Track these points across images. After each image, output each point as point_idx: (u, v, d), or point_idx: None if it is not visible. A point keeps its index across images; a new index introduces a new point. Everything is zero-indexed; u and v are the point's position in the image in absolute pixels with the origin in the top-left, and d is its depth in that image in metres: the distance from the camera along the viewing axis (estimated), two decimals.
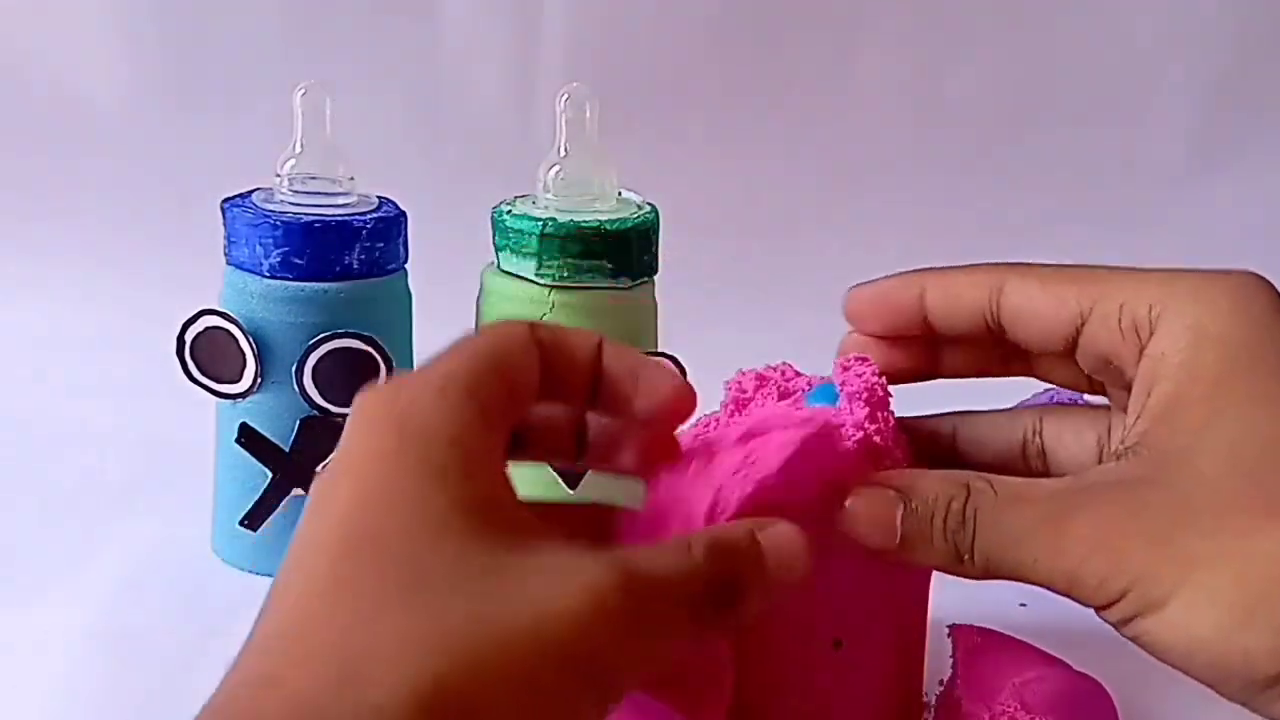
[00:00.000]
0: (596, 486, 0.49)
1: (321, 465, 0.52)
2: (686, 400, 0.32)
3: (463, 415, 0.28)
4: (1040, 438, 0.36)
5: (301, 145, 0.52)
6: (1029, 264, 0.35)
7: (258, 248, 0.50)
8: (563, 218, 0.51)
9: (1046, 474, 0.35)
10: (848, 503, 0.33)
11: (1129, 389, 0.32)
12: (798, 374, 0.38)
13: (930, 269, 0.36)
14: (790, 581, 0.30)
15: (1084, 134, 1.03)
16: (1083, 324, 0.33)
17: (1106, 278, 0.33)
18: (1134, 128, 1.04)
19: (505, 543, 0.26)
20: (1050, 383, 0.37)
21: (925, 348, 0.37)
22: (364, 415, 0.29)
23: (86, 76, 0.95)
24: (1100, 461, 0.35)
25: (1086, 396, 0.37)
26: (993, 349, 0.37)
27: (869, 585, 0.36)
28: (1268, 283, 0.32)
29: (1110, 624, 0.29)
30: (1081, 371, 0.35)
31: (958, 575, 0.31)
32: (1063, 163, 1.03)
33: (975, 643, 0.38)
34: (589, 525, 0.34)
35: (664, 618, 0.27)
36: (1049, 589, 0.30)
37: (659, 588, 0.26)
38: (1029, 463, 0.37)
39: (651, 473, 0.34)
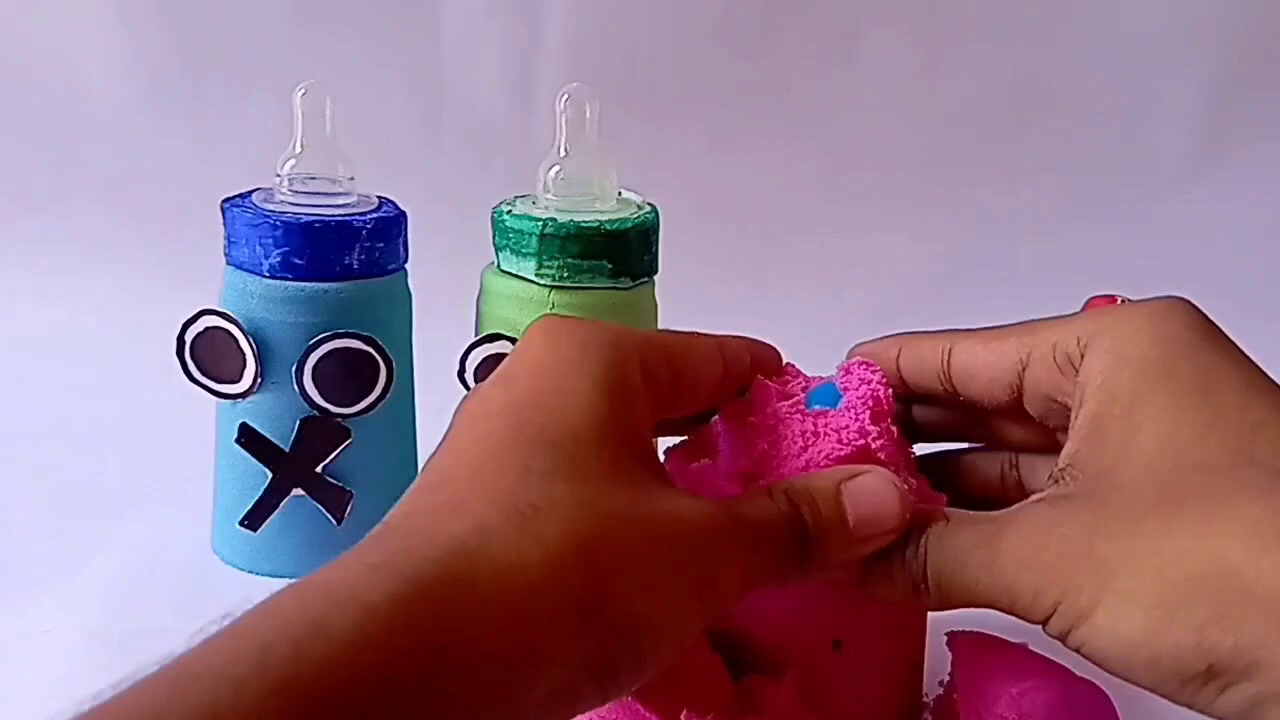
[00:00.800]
0: None
1: (322, 465, 0.52)
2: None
3: (630, 361, 0.32)
4: (1016, 470, 0.39)
5: (301, 145, 0.52)
6: (974, 329, 0.37)
7: (258, 248, 0.50)
8: (563, 218, 0.50)
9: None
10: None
11: None
12: (799, 374, 0.38)
13: (906, 333, 0.38)
14: (875, 536, 0.32)
15: (1085, 133, 1.03)
16: (1024, 369, 0.35)
17: (1040, 325, 0.35)
18: (1136, 126, 1.04)
19: (647, 469, 0.30)
20: (1009, 447, 0.39)
21: (907, 409, 0.40)
22: (546, 329, 0.32)
23: (87, 76, 0.95)
24: None
25: None
26: (956, 412, 0.39)
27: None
28: (1189, 305, 0.33)
29: (1054, 638, 0.30)
30: (1033, 431, 0.37)
31: (920, 606, 0.33)
32: (1064, 162, 1.02)
33: (973, 650, 0.38)
34: None
35: (750, 549, 0.30)
36: (994, 608, 0.31)
37: (748, 524, 0.30)
38: (1008, 494, 0.39)
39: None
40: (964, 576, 0.31)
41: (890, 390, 0.36)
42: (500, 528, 0.26)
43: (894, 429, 0.36)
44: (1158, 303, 0.34)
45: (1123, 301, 0.51)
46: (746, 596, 0.30)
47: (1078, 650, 0.29)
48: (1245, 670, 0.26)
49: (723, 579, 0.29)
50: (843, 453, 0.34)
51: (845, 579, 0.33)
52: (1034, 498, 0.33)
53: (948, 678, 0.40)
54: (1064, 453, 0.33)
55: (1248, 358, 0.32)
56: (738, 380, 0.37)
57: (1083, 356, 0.33)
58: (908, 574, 0.32)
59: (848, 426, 0.35)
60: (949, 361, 0.37)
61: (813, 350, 0.40)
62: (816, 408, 0.36)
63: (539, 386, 0.30)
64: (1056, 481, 0.32)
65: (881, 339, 0.39)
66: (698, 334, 0.35)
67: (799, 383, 0.38)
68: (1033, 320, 0.36)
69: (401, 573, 0.24)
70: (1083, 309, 0.52)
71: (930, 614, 0.39)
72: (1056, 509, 0.31)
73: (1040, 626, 0.30)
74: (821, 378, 0.38)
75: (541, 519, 0.26)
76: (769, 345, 0.38)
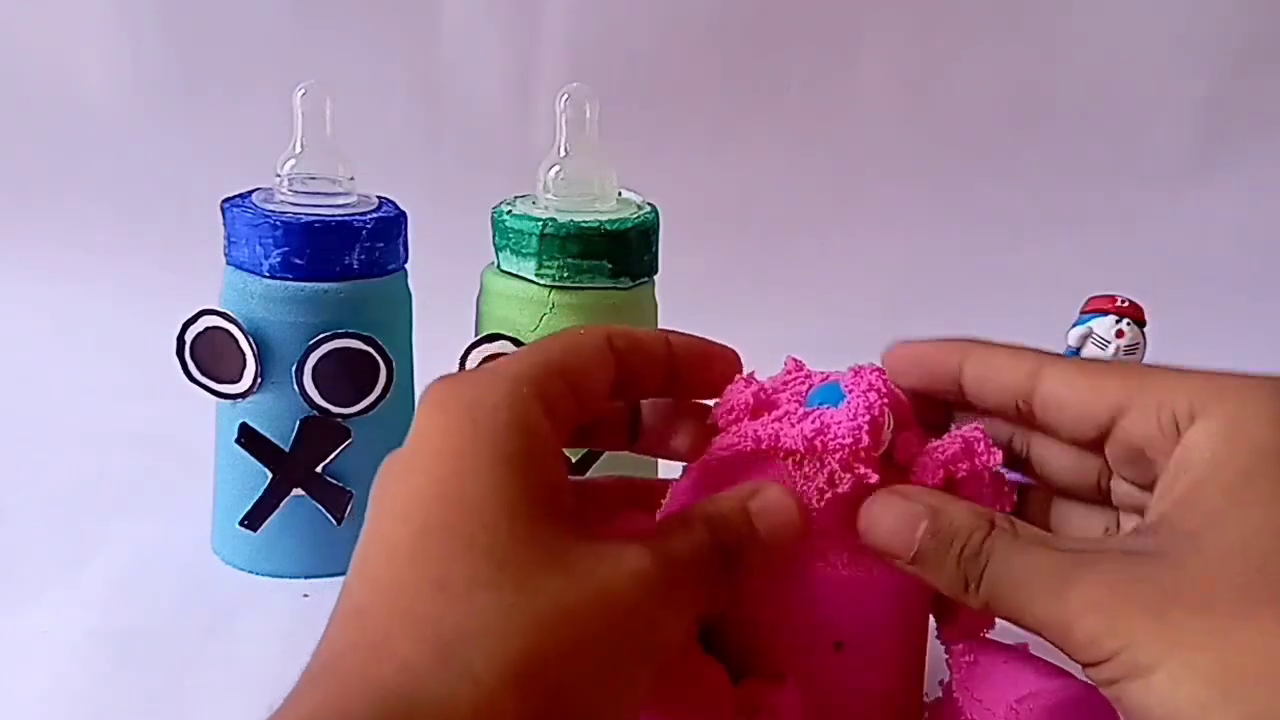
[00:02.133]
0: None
1: (322, 465, 0.52)
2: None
3: (530, 409, 0.31)
4: (1048, 518, 0.38)
5: (301, 145, 0.52)
6: (1062, 356, 0.36)
7: (258, 248, 0.50)
8: (563, 218, 0.50)
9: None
10: (872, 506, 0.34)
11: (1150, 487, 0.33)
12: (802, 367, 0.38)
13: (974, 340, 0.37)
14: (784, 543, 0.33)
15: (1085, 135, 1.03)
16: (1119, 414, 0.34)
17: (1148, 373, 0.34)
18: (1136, 126, 1.04)
19: (567, 530, 0.29)
20: (1041, 475, 0.38)
21: (947, 410, 0.39)
22: (437, 403, 0.31)
23: (87, 76, 0.95)
24: (1102, 496, 0.36)
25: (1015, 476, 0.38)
26: (999, 425, 0.38)
27: (872, 588, 0.36)
28: None
29: (1093, 680, 0.30)
30: (1082, 475, 0.36)
31: (958, 600, 0.33)
32: (1063, 163, 1.03)
33: (973, 657, 0.38)
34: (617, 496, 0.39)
35: (687, 587, 0.31)
36: (1040, 635, 0.31)
37: (680, 563, 0.31)
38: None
39: (698, 456, 0.37)
40: (1021, 597, 0.31)
41: (888, 400, 0.35)
42: (427, 665, 0.26)
43: (884, 445, 0.35)
44: (1278, 381, 0.33)
45: (1123, 303, 0.51)
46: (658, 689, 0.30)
47: (1114, 699, 0.30)
48: None
49: (665, 635, 0.30)
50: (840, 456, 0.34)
51: (896, 552, 0.33)
52: (1112, 541, 0.32)
53: (947, 679, 0.40)
54: (1153, 511, 0.32)
55: None
56: (687, 368, 0.36)
57: (1192, 420, 0.32)
58: (962, 571, 0.32)
59: (841, 422, 0.35)
60: (1035, 385, 0.35)
61: (813, 350, 0.40)
62: (815, 406, 0.36)
63: (438, 477, 0.29)
64: (1138, 534, 0.32)
65: (936, 342, 0.38)
66: (581, 333, 0.35)
67: (799, 382, 0.37)
68: (1140, 365, 0.35)
69: None
70: (1083, 308, 0.52)
71: (930, 619, 0.39)
72: (1135, 562, 0.30)
73: (1082, 666, 0.30)
74: (825, 375, 0.38)
75: (468, 647, 0.26)
76: (726, 348, 0.38)
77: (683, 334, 0.37)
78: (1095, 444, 0.35)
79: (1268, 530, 0.30)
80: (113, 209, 0.91)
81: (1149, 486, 0.33)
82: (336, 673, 0.26)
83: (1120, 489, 0.36)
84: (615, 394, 0.36)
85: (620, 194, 0.54)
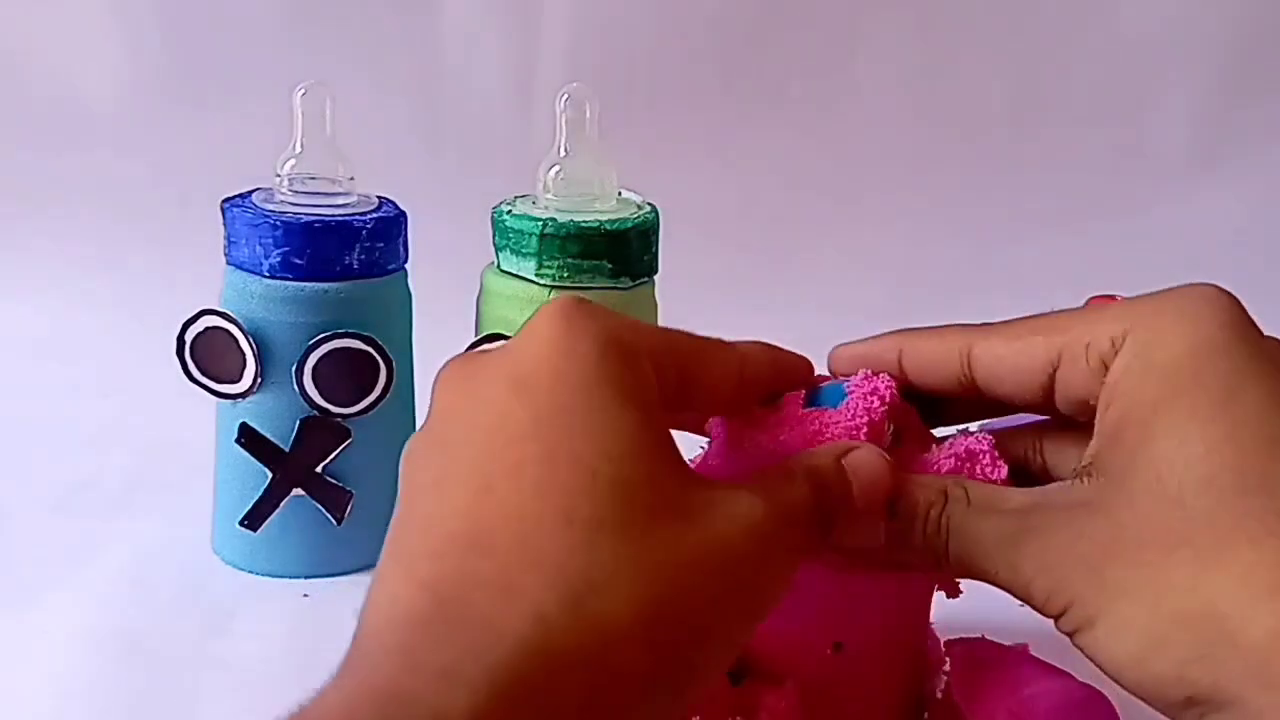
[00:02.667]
0: None
1: (323, 465, 0.52)
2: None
3: (646, 365, 0.30)
4: (1041, 455, 0.37)
5: (301, 145, 0.52)
6: (991, 323, 0.36)
7: (258, 248, 0.50)
8: (563, 218, 0.50)
9: None
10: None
11: None
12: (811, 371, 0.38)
13: (905, 330, 0.37)
14: (874, 502, 0.32)
15: (1084, 133, 1.03)
16: (1055, 370, 0.34)
17: (1070, 320, 0.34)
18: (1134, 126, 1.04)
19: (682, 476, 0.29)
20: (1038, 435, 0.38)
21: (925, 405, 0.38)
22: (560, 315, 0.30)
23: (86, 76, 0.95)
24: None
25: None
26: (980, 407, 0.38)
27: (871, 589, 0.36)
28: (1228, 299, 0.32)
29: (1061, 632, 0.31)
30: (1065, 423, 0.36)
31: (943, 574, 0.34)
32: (1063, 162, 1.03)
33: (971, 660, 0.38)
34: None
35: (794, 539, 0.30)
36: (1013, 595, 0.32)
37: (789, 515, 0.30)
38: (1033, 480, 0.37)
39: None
40: (984, 564, 0.32)
41: (888, 408, 0.35)
42: (558, 617, 0.25)
43: (891, 429, 0.35)
44: (1194, 293, 0.32)
45: (1120, 299, 0.51)
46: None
47: (1081, 650, 0.31)
48: (1222, 705, 0.28)
49: (772, 587, 0.30)
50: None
51: (868, 543, 0.33)
52: (1054, 491, 0.33)
53: (945, 682, 0.40)
54: (1088, 450, 0.32)
55: None
56: (752, 394, 0.36)
57: (1115, 353, 0.32)
58: (930, 548, 0.33)
59: (839, 422, 0.35)
60: (970, 364, 0.35)
61: (813, 350, 0.40)
62: (815, 408, 0.36)
63: (563, 401, 0.28)
64: (1078, 478, 0.32)
65: (873, 339, 0.38)
66: (719, 342, 0.34)
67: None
68: (1057, 313, 0.35)
69: (474, 683, 0.24)
70: (1083, 308, 0.52)
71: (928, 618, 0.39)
72: (1075, 516, 0.31)
73: (1052, 620, 0.31)
74: (828, 378, 0.38)
75: (597, 597, 0.26)
76: (800, 357, 0.37)
77: (763, 352, 0.36)
78: (1047, 403, 0.35)
79: (1179, 460, 0.30)
80: (113, 209, 0.91)
81: None
82: (463, 614, 0.25)
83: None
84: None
85: (620, 194, 0.54)
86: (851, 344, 0.38)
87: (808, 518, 0.31)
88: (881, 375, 0.36)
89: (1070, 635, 0.31)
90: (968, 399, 0.37)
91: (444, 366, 0.31)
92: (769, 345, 0.36)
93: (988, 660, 0.38)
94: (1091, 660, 0.31)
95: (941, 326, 0.37)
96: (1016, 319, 0.35)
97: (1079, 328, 0.33)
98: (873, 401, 0.35)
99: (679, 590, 0.27)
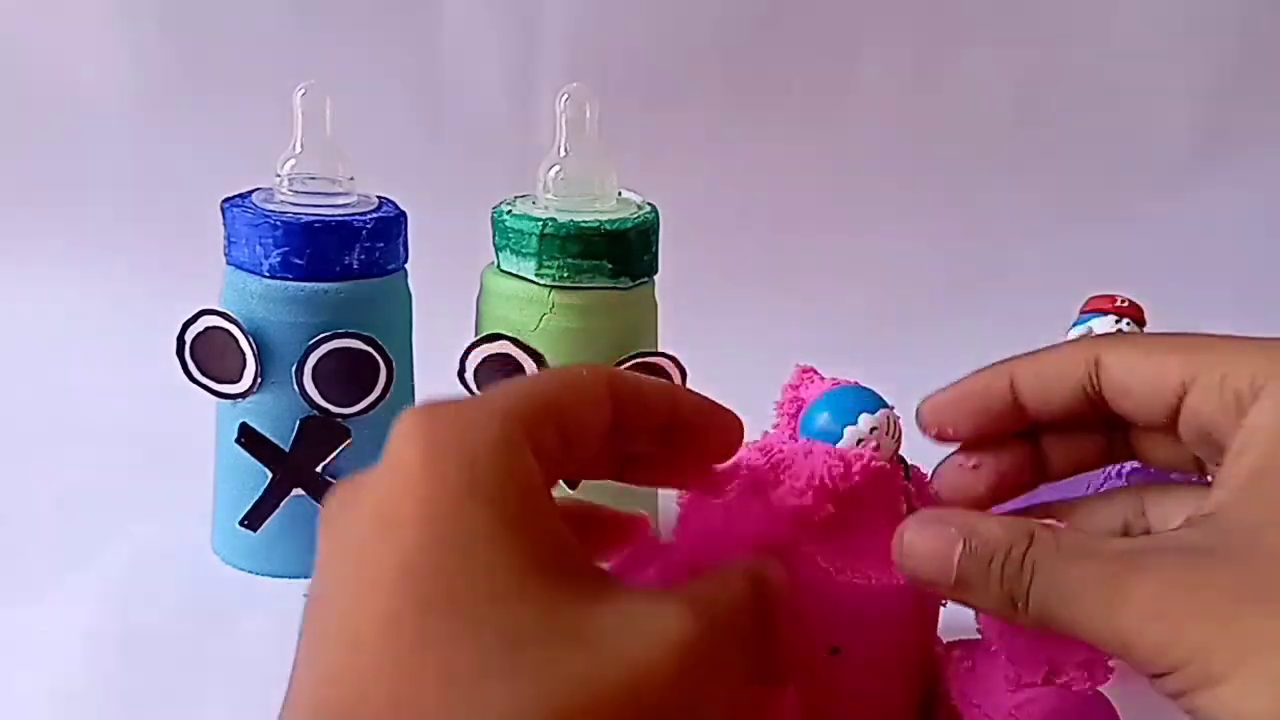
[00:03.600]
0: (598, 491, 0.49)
1: (322, 465, 0.52)
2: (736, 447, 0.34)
3: (525, 457, 0.27)
4: (1146, 518, 0.35)
5: (301, 145, 0.52)
6: (1118, 335, 0.35)
7: (258, 248, 0.50)
8: (563, 218, 0.51)
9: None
10: (904, 534, 0.32)
11: None
12: (816, 375, 0.38)
13: (1011, 358, 0.35)
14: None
15: (1085, 133, 1.03)
16: (1184, 394, 0.32)
17: (1208, 345, 0.32)
18: (1136, 126, 1.04)
19: (584, 596, 0.25)
20: (1153, 465, 0.36)
21: (1024, 448, 0.36)
22: (422, 440, 0.26)
23: (87, 76, 0.95)
24: None
25: (1174, 476, 0.36)
26: (1093, 435, 0.36)
27: (866, 593, 0.36)
28: None
29: (1161, 692, 0.28)
30: (1185, 450, 0.34)
31: (1011, 622, 0.31)
32: (1064, 162, 1.02)
33: (970, 663, 0.38)
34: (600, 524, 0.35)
35: (734, 655, 0.27)
36: (1101, 648, 0.29)
37: (726, 627, 0.27)
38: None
39: (688, 489, 0.36)
40: (1073, 610, 0.29)
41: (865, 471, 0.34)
42: None
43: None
44: None
45: (1123, 303, 0.51)
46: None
47: (1188, 712, 0.28)
48: None
49: (704, 712, 0.26)
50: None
51: (936, 579, 0.31)
52: (1165, 538, 0.30)
53: (944, 687, 0.40)
54: (1211, 500, 0.30)
55: None
56: (644, 419, 0.32)
57: (1255, 397, 0.30)
58: (1007, 591, 0.30)
59: (785, 499, 0.34)
60: (1098, 371, 0.33)
61: (813, 350, 0.40)
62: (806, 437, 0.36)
63: (432, 537, 0.25)
64: (1193, 527, 0.30)
65: (970, 376, 0.35)
66: (582, 374, 0.30)
67: (808, 385, 0.37)
68: (1194, 335, 0.33)
69: None
70: (1083, 308, 0.52)
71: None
72: (1193, 563, 0.28)
73: (1149, 679, 0.28)
74: (838, 380, 0.37)
75: None
76: (726, 414, 0.34)
77: (692, 394, 0.33)
78: (1169, 427, 0.33)
79: None
80: (113, 209, 0.91)
81: None
82: None
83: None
84: (612, 436, 0.32)
85: (620, 194, 0.54)
86: (942, 390, 0.36)
87: (747, 626, 0.28)
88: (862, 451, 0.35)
89: (1179, 695, 0.28)
90: (1084, 421, 0.35)
91: (327, 496, 0.28)
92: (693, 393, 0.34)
93: (986, 663, 0.38)
94: None
95: (1052, 346, 0.35)
96: (1150, 334, 0.34)
97: (1217, 357, 0.32)
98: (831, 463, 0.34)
99: None
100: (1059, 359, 0.34)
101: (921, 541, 0.31)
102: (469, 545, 0.25)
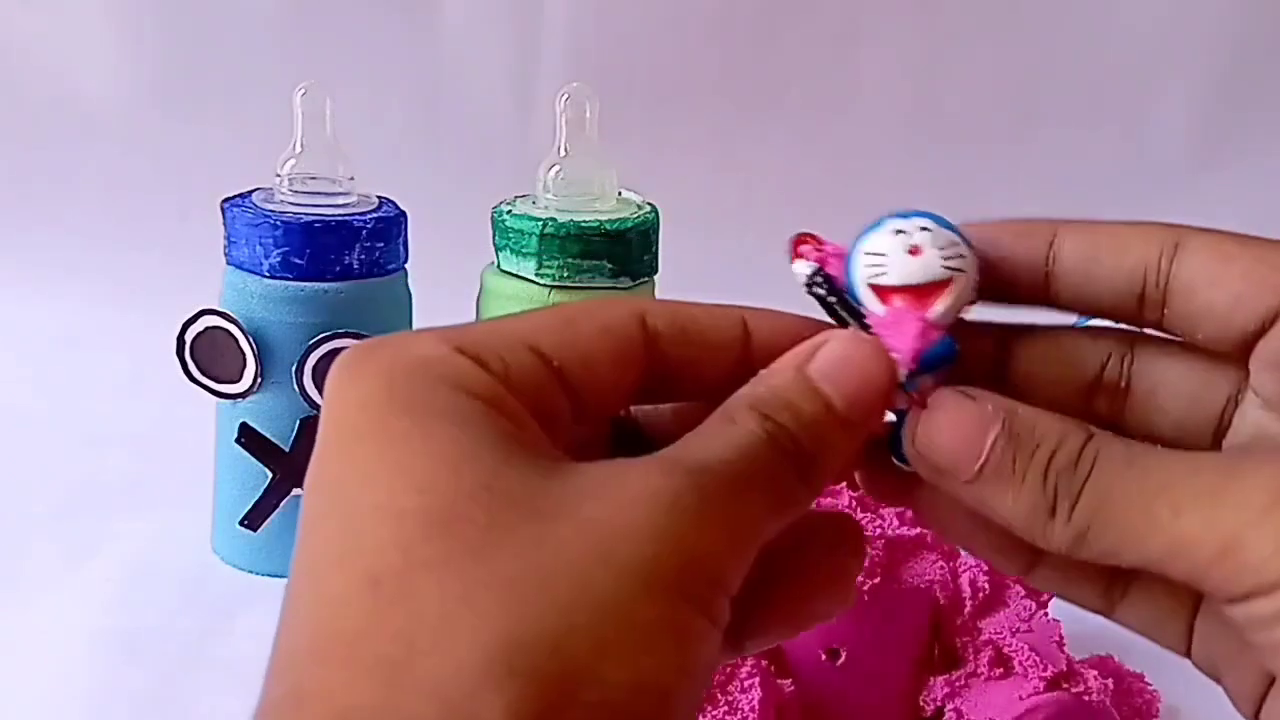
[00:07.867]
0: None
1: None
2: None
3: (456, 364, 0.23)
4: (1127, 372, 0.28)
5: (301, 145, 0.52)
6: (1212, 231, 0.28)
7: (258, 248, 0.50)
8: (563, 218, 0.51)
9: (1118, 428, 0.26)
10: (934, 413, 0.25)
11: None
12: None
13: (1061, 219, 0.29)
14: (870, 410, 0.24)
15: (1084, 133, 1.03)
16: (1271, 324, 0.25)
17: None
18: (1134, 127, 1.04)
19: (543, 474, 0.21)
20: (1146, 407, 0.28)
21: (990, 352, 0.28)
22: (342, 362, 0.23)
23: (86, 76, 0.95)
24: (1215, 441, 0.27)
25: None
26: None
27: (871, 598, 0.36)
28: None
29: (1257, 618, 0.22)
30: (1218, 387, 0.27)
31: (1030, 538, 0.24)
32: (1063, 162, 1.02)
33: (968, 670, 0.38)
34: None
35: (736, 503, 0.22)
36: (1161, 569, 0.23)
37: (720, 472, 0.22)
38: (1094, 407, 0.27)
39: None
40: (1143, 518, 0.23)
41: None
42: (371, 703, 0.20)
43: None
44: None
45: None
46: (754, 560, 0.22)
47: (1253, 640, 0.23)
48: None
49: (712, 572, 0.21)
50: None
51: (957, 465, 0.24)
52: (1268, 441, 0.25)
53: (944, 692, 0.40)
54: None
55: None
56: (704, 362, 0.26)
57: None
58: (1050, 489, 0.23)
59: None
60: (1171, 267, 0.26)
61: None
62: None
63: (349, 455, 0.23)
64: None
65: (1010, 221, 0.30)
66: (605, 307, 0.26)
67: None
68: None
69: None
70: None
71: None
72: None
73: (1230, 601, 0.23)
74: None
75: (425, 658, 0.20)
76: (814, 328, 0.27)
77: (769, 313, 0.27)
78: (1237, 350, 0.26)
79: None
80: (113, 209, 0.91)
81: None
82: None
83: (1248, 418, 0.26)
84: (646, 396, 0.26)
85: (620, 194, 0.54)
86: (983, 225, 0.30)
87: (757, 470, 0.22)
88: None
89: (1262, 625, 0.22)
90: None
91: None
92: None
93: (984, 674, 0.38)
94: None
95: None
96: (1248, 239, 0.28)
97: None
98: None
99: (549, 610, 0.20)
100: (1126, 231, 0.28)
101: (946, 416, 0.25)
102: (387, 449, 0.22)
